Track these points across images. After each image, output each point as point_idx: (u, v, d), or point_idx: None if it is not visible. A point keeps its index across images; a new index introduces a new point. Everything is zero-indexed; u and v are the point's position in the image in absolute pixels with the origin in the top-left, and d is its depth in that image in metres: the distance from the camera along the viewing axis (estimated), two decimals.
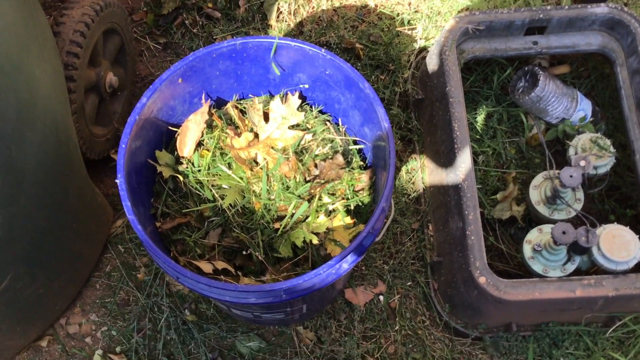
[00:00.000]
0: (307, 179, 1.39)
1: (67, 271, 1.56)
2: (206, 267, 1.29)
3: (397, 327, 1.73)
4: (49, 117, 1.29)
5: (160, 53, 2.07)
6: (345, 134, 1.48)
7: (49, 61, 1.32)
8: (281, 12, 2.08)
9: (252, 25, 2.07)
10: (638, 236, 1.58)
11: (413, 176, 1.89)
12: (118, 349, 1.69)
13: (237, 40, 1.35)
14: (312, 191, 1.36)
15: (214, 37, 2.05)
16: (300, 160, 1.40)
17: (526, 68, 1.85)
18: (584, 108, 1.84)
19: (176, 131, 1.42)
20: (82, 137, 1.63)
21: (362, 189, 1.42)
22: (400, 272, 1.77)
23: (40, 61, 1.26)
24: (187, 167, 1.39)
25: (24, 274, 1.35)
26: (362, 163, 1.45)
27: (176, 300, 1.72)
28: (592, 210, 1.83)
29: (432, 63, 1.81)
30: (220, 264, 1.30)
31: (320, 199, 1.36)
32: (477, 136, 1.91)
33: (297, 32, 2.06)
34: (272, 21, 2.08)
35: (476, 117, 1.93)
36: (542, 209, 1.70)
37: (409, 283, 1.76)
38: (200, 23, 2.07)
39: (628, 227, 1.60)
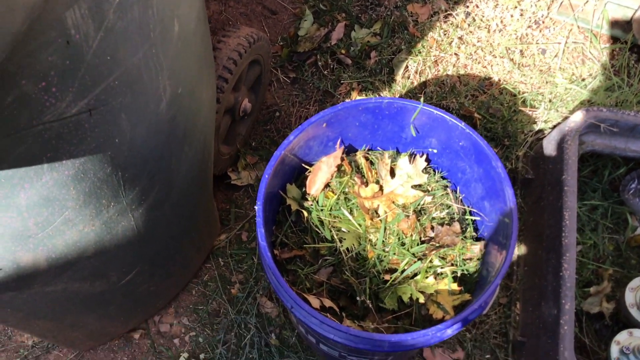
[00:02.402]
0: (423, 239, 1.45)
1: (176, 274, 1.67)
2: (314, 302, 1.36)
3: None
4: (202, 136, 1.40)
5: (288, 86, 2.20)
6: (461, 203, 1.54)
7: (211, 86, 1.44)
8: (408, 70, 2.18)
9: (378, 77, 2.16)
10: None
11: None
12: (202, 356, 1.77)
13: (385, 99, 1.44)
14: (426, 252, 1.42)
15: (342, 81, 2.15)
16: (418, 220, 1.47)
17: None
18: None
19: (308, 168, 1.51)
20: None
21: (470, 259, 1.47)
22: (481, 343, 1.80)
23: (206, 85, 1.38)
24: (311, 205, 1.48)
25: (146, 271, 1.46)
26: (474, 234, 1.51)
27: (264, 322, 1.80)
28: None
29: (550, 148, 1.85)
30: (328, 302, 1.37)
31: (431, 261, 1.42)
32: (579, 225, 1.94)
33: (420, 91, 2.15)
34: (398, 77, 2.17)
35: (581, 208, 1.96)
36: (635, 313, 1.70)
37: (487, 356, 1.79)
38: (331, 66, 2.19)
39: None
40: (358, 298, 1.37)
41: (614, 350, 1.65)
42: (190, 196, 1.45)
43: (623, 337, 1.66)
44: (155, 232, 1.36)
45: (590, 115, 1.79)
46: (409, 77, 2.18)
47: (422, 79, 2.17)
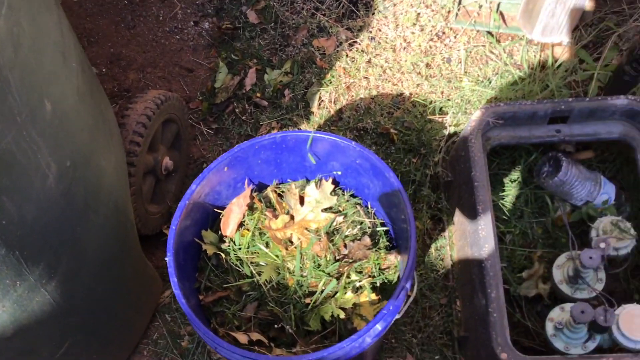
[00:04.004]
0: (337, 258, 1.52)
1: (118, 339, 1.72)
2: (242, 338, 1.42)
3: None
4: (111, 202, 1.48)
5: (212, 137, 2.29)
6: (374, 217, 1.62)
7: (114, 152, 1.53)
8: (322, 101, 2.28)
9: (295, 112, 2.26)
10: None
11: (442, 253, 2.00)
12: None
13: (277, 134, 1.53)
14: (341, 269, 1.49)
15: (261, 123, 2.25)
16: (331, 241, 1.54)
17: (550, 154, 1.96)
18: (607, 191, 1.93)
19: (221, 212, 1.59)
20: (138, 215, 1.82)
21: (389, 268, 1.54)
22: (429, 345, 1.86)
23: (106, 153, 1.46)
24: (229, 246, 1.55)
25: (80, 341, 1.52)
26: (388, 244, 1.58)
27: None
28: (617, 289, 1.88)
29: (460, 149, 1.94)
30: (255, 336, 1.43)
31: (348, 276, 1.49)
32: (504, 217, 2.02)
33: (337, 118, 2.25)
34: (314, 108, 2.27)
35: (504, 199, 2.04)
36: (565, 288, 1.77)
37: (436, 357, 1.85)
38: (249, 111, 2.28)
39: None
40: (276, 325, 1.43)
41: (549, 327, 1.71)
42: (110, 261, 1.51)
43: (556, 314, 1.73)
44: (77, 301, 1.42)
45: (489, 112, 1.89)
46: (325, 107, 2.27)
47: (338, 107, 2.27)
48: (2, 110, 1.02)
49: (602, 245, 1.73)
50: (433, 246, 2.01)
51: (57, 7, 1.30)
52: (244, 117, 2.28)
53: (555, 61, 2.24)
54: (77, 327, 1.47)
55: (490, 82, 2.23)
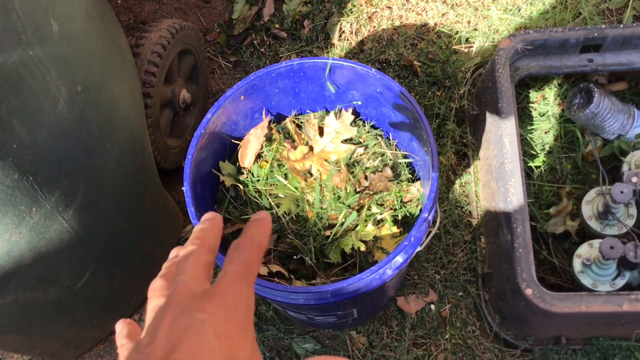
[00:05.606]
0: (357, 190, 1.48)
1: (141, 271, 1.72)
2: (262, 269, 1.40)
3: (447, 336, 1.78)
4: (127, 131, 1.44)
5: (231, 70, 2.22)
6: (396, 148, 1.57)
7: (128, 80, 1.48)
8: (343, 32, 2.19)
9: (315, 44, 2.18)
10: None
11: (466, 189, 1.94)
12: None
13: (295, 61, 1.46)
14: (362, 201, 1.45)
15: (280, 55, 2.18)
16: (352, 172, 1.49)
17: (581, 85, 1.87)
18: None
19: (238, 144, 1.55)
20: (157, 148, 1.79)
21: (411, 201, 1.50)
22: (452, 282, 1.83)
23: (120, 80, 1.42)
24: (247, 177, 1.51)
25: (102, 271, 1.51)
26: (411, 176, 1.53)
27: None
28: None
29: (486, 80, 1.86)
30: (275, 267, 1.40)
31: (369, 209, 1.45)
32: (533, 152, 1.95)
33: (358, 50, 2.16)
34: (335, 40, 2.19)
35: (532, 133, 1.97)
36: (594, 224, 1.71)
37: (460, 293, 1.82)
38: (268, 43, 2.21)
39: None
40: (295, 257, 1.41)
41: (577, 264, 1.66)
42: (128, 192, 1.49)
43: (584, 250, 1.68)
44: (97, 231, 1.40)
45: (517, 40, 1.80)
46: (346, 39, 2.19)
47: (359, 38, 2.18)
48: (7, 28, 0.97)
49: (634, 179, 1.66)
50: (457, 182, 1.95)
51: None
52: (262, 50, 2.21)
53: None
54: (98, 257, 1.45)
55: (519, 10, 2.12)
